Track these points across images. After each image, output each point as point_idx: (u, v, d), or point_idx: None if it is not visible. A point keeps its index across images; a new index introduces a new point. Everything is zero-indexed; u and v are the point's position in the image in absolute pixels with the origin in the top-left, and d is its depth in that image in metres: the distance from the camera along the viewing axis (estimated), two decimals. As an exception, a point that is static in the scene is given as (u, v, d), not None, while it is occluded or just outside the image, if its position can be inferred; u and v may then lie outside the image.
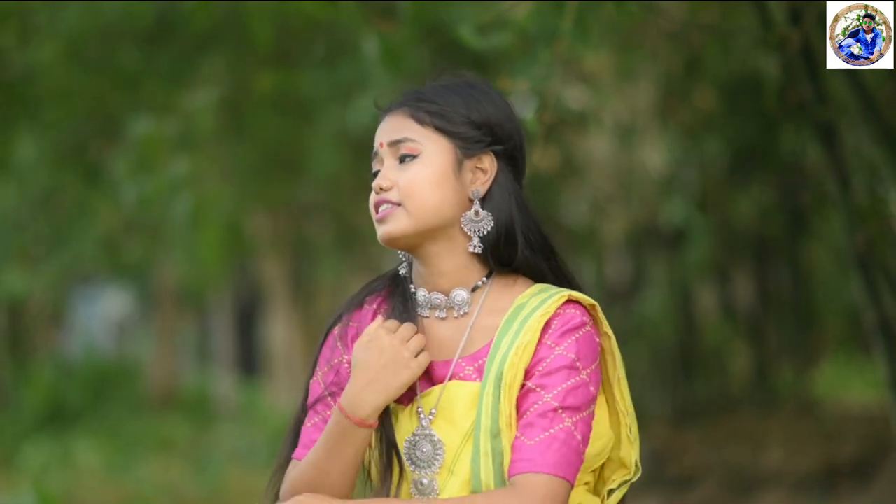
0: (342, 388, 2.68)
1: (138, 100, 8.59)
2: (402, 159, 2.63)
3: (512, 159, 2.68)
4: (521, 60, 5.05)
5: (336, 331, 2.73)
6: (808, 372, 11.16)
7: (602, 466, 2.70)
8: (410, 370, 2.59)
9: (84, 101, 8.63)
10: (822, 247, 11.12)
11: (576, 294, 2.61)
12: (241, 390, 17.84)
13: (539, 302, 2.61)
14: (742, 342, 11.32)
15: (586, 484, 2.68)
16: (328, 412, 2.68)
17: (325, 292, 15.93)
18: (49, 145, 9.36)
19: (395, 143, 2.63)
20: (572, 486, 2.55)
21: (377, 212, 2.64)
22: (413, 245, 2.64)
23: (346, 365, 2.69)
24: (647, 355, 11.19)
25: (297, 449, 2.69)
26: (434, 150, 2.62)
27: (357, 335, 2.71)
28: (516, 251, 2.63)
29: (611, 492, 2.71)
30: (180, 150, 8.09)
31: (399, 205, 2.61)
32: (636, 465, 2.69)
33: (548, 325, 2.58)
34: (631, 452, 2.68)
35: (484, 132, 2.65)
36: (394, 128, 2.65)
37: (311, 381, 2.73)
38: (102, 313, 21.79)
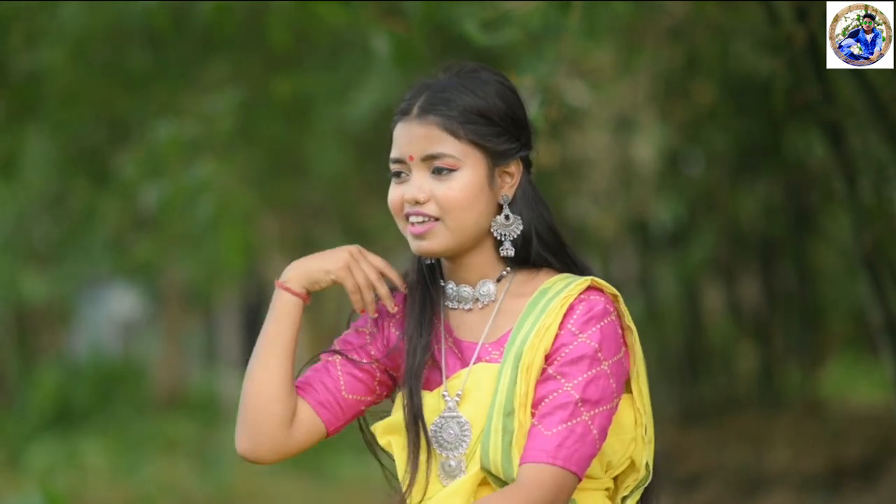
0: (355, 349, 2.72)
1: (146, 101, 8.58)
2: (437, 171, 2.60)
3: (527, 157, 2.69)
4: (527, 56, 5.05)
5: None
6: (814, 372, 11.13)
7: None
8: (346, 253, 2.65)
9: (92, 102, 8.63)
10: (828, 246, 11.09)
11: (599, 281, 2.62)
12: (247, 391, 17.79)
13: (563, 286, 2.62)
14: (748, 342, 11.28)
15: (606, 490, 2.68)
16: (330, 359, 2.74)
17: (332, 293, 15.91)
18: (57, 147, 9.35)
19: (430, 158, 2.60)
20: (580, 481, 2.56)
21: (410, 223, 2.62)
22: (447, 254, 2.66)
23: (368, 334, 2.73)
24: (653, 354, 11.16)
25: None
26: (472, 164, 2.60)
27: (387, 312, 2.73)
28: (531, 250, 2.65)
29: (625, 499, 2.69)
30: (198, 153, 8.07)
31: (437, 219, 2.60)
32: (646, 468, 2.68)
33: (571, 309, 2.59)
34: (643, 454, 2.68)
35: (512, 138, 2.64)
36: (426, 139, 2.61)
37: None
38: (109, 314, 21.76)
